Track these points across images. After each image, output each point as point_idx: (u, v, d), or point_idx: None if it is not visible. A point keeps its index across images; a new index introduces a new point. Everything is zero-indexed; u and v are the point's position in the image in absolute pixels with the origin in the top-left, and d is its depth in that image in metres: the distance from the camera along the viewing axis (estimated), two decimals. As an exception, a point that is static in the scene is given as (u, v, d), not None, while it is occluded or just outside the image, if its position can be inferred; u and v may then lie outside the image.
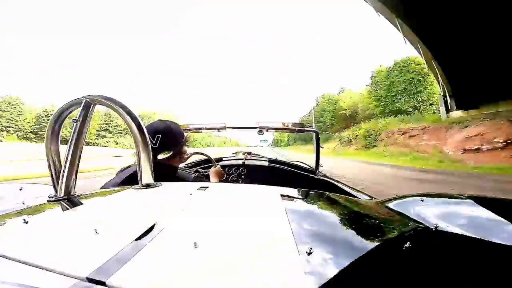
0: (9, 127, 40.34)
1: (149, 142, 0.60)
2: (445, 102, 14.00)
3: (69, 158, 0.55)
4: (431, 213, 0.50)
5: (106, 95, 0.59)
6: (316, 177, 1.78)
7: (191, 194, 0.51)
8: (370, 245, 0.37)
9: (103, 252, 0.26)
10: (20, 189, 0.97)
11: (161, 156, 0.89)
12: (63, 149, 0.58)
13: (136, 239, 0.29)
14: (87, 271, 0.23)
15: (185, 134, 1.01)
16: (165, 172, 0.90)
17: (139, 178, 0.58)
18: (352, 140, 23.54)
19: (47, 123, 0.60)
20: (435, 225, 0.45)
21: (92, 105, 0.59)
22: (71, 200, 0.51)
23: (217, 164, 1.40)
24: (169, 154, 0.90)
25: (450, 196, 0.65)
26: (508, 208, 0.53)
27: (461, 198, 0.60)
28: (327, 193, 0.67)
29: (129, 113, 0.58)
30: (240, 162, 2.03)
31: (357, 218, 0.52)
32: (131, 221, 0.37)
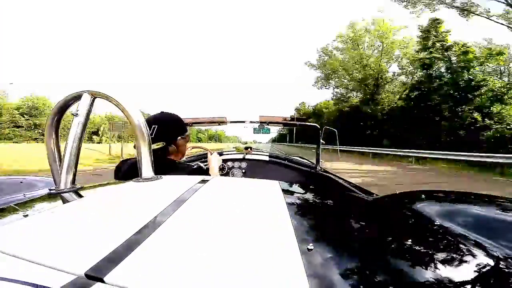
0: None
1: (149, 135, 0.60)
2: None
3: (69, 151, 0.55)
4: (431, 210, 0.50)
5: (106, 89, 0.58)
6: (317, 172, 1.79)
7: (191, 188, 0.51)
8: (370, 240, 0.37)
9: (102, 247, 0.25)
10: (21, 182, 0.98)
11: (153, 147, 0.88)
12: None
13: (136, 234, 0.29)
14: (86, 267, 0.22)
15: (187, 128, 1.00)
16: (161, 164, 0.90)
17: (139, 171, 0.58)
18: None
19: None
20: (435, 222, 0.45)
21: (92, 98, 0.58)
22: (71, 193, 0.51)
23: (212, 152, 1.40)
24: (160, 145, 0.90)
25: (450, 194, 0.65)
26: (507, 206, 0.53)
27: (461, 196, 0.61)
28: (328, 188, 0.68)
29: (129, 106, 0.58)
30: (241, 156, 2.03)
31: (357, 214, 0.53)
32: (131, 215, 0.37)
